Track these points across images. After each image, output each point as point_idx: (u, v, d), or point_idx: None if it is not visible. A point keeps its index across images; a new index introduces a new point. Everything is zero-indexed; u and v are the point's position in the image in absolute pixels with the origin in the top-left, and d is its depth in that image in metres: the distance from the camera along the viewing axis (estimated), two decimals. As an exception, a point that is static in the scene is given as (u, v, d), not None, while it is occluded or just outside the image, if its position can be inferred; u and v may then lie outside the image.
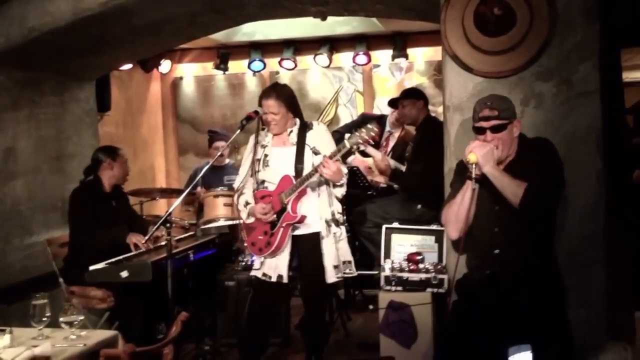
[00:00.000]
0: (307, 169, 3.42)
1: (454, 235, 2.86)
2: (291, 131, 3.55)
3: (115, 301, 3.81)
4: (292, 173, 3.45)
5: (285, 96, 3.54)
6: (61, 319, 2.56)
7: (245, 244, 3.67)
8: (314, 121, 3.64)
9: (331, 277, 3.43)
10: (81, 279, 3.73)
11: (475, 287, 2.78)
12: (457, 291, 2.93)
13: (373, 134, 3.18)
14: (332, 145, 3.46)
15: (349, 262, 3.53)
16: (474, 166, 2.67)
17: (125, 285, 3.69)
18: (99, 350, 2.48)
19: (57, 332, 2.61)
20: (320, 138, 3.52)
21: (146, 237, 3.73)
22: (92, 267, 3.65)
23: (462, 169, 2.82)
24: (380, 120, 5.24)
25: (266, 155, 3.55)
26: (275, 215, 3.44)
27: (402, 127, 5.31)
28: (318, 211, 3.46)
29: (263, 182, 3.54)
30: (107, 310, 3.82)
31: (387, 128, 5.34)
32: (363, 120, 5.19)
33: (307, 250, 3.49)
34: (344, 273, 3.50)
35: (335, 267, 3.44)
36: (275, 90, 3.57)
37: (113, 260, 3.74)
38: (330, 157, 3.26)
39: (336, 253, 3.45)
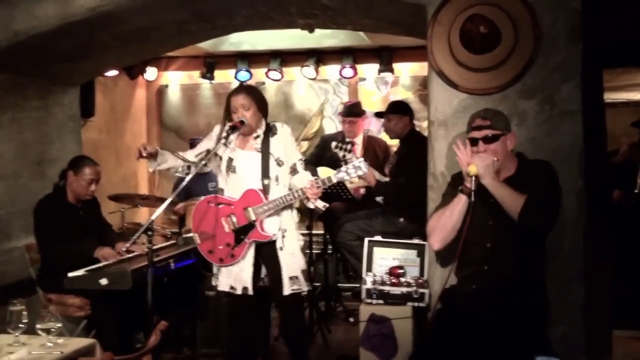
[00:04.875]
0: (273, 183, 3.38)
1: (436, 245, 2.84)
2: (257, 136, 3.45)
3: (92, 309, 3.76)
4: (257, 186, 3.38)
5: (254, 94, 3.47)
6: (38, 326, 2.53)
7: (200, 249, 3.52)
8: (277, 123, 3.53)
9: (287, 289, 3.38)
10: (58, 286, 3.68)
11: (460, 299, 2.78)
12: (441, 301, 2.93)
13: (361, 172, 3.24)
14: (294, 150, 3.49)
15: (297, 277, 3.42)
16: (472, 179, 2.63)
17: (103, 293, 3.64)
18: (76, 359, 2.45)
19: (34, 339, 2.57)
20: (284, 145, 3.45)
21: (127, 245, 3.68)
22: (71, 274, 3.61)
23: (458, 183, 2.79)
24: (339, 137, 5.42)
25: (231, 160, 3.45)
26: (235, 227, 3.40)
27: (361, 133, 5.47)
28: (278, 222, 3.41)
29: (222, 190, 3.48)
30: (85, 318, 3.77)
31: (348, 139, 5.42)
32: (324, 143, 5.33)
33: (268, 260, 3.46)
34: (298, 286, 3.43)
35: (291, 278, 3.39)
36: (244, 87, 3.59)
37: (92, 267, 3.69)
38: (317, 186, 3.25)
39: (296, 264, 3.42)
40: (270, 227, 3.40)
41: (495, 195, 2.63)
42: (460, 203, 2.70)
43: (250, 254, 3.44)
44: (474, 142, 2.74)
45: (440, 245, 2.81)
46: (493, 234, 2.71)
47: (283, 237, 3.41)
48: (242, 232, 3.39)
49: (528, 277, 2.71)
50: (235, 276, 3.46)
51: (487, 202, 2.68)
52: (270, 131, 3.47)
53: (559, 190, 2.76)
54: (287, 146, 3.47)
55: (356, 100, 6.37)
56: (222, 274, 3.50)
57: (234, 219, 3.40)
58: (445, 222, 2.75)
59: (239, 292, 3.44)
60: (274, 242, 3.41)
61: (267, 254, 3.45)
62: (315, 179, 3.29)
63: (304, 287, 3.45)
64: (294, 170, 3.47)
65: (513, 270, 2.69)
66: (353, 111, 5.55)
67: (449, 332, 2.68)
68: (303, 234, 3.68)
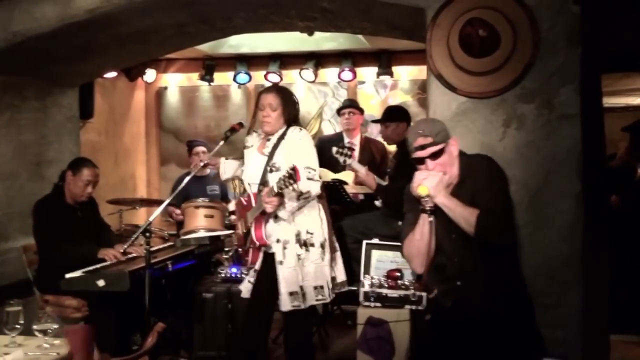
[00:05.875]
0: (265, 189, 3.23)
1: (419, 270, 2.81)
2: (269, 139, 3.35)
3: (90, 310, 3.75)
4: (256, 191, 3.32)
5: (285, 96, 3.35)
6: (35, 327, 2.51)
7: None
8: (291, 127, 3.34)
9: (286, 305, 3.20)
10: (55, 287, 3.67)
11: (443, 312, 2.77)
12: (430, 312, 2.95)
13: (292, 181, 2.90)
14: (302, 155, 3.24)
15: (320, 287, 3.25)
16: (426, 199, 2.60)
17: (101, 294, 3.63)
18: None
19: (31, 340, 2.56)
20: (288, 151, 3.27)
21: (125, 247, 3.68)
22: (68, 275, 3.60)
23: (412, 197, 2.73)
24: (337, 139, 5.38)
25: (243, 164, 3.46)
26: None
27: (359, 134, 5.45)
28: (273, 232, 3.28)
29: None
30: (82, 320, 3.76)
31: (346, 140, 5.39)
32: (321, 145, 5.30)
33: (269, 272, 3.30)
34: (316, 299, 3.25)
35: (291, 294, 3.20)
36: (276, 87, 3.44)
37: (90, 268, 3.69)
38: (268, 195, 3.07)
39: (295, 279, 3.21)
40: (268, 235, 3.29)
41: (449, 214, 2.61)
42: (425, 224, 2.66)
43: (259, 261, 3.38)
44: (420, 161, 2.69)
45: (423, 268, 2.77)
46: (458, 248, 2.68)
47: (284, 248, 3.24)
48: (247, 236, 3.37)
49: (502, 285, 2.67)
50: (248, 278, 3.46)
51: (446, 217, 2.63)
52: (283, 135, 3.33)
53: (507, 186, 2.74)
54: (292, 152, 3.26)
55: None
56: (246, 273, 3.51)
57: (243, 223, 3.40)
58: (419, 246, 2.71)
59: (243, 294, 3.43)
60: (274, 254, 3.28)
61: (270, 265, 3.30)
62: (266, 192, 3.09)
63: (303, 305, 3.23)
64: None
65: (485, 282, 2.65)
66: (353, 104, 5.62)
67: (442, 343, 2.67)
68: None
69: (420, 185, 2.59)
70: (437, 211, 2.62)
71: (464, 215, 2.58)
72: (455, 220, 2.60)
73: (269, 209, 3.13)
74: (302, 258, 3.23)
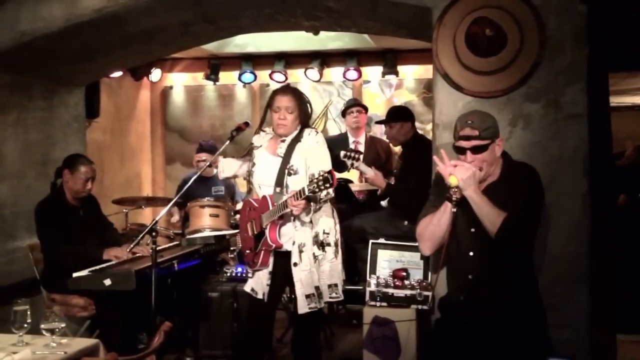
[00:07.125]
0: (283, 191, 3.24)
1: (427, 252, 2.83)
2: (283, 140, 3.34)
3: (96, 309, 3.76)
4: (271, 192, 3.29)
5: (301, 98, 3.34)
6: (42, 326, 2.52)
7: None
8: (307, 129, 3.35)
9: (302, 307, 3.22)
10: (62, 286, 3.68)
11: (454, 309, 2.76)
12: (439, 309, 2.94)
13: (328, 185, 2.88)
14: (319, 159, 3.25)
15: (335, 285, 3.30)
16: (454, 189, 2.58)
17: (107, 293, 3.64)
18: (79, 359, 2.45)
19: (38, 339, 2.57)
20: (305, 154, 3.27)
21: (131, 246, 3.69)
22: (75, 274, 3.61)
23: (441, 181, 2.74)
24: (342, 139, 5.41)
25: (254, 164, 3.42)
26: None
27: (364, 133, 5.44)
28: (290, 234, 3.29)
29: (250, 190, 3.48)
30: (89, 319, 3.78)
31: (351, 139, 5.38)
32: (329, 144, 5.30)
33: (283, 274, 3.33)
34: (330, 297, 3.31)
35: (308, 296, 3.22)
36: (291, 89, 3.41)
37: (96, 267, 3.70)
38: (296, 198, 3.01)
39: (310, 280, 3.23)
40: (284, 237, 3.29)
41: (474, 209, 2.58)
42: (446, 212, 2.65)
43: (271, 263, 3.36)
44: (461, 151, 2.65)
45: (431, 252, 2.81)
46: (475, 242, 2.67)
47: (300, 252, 3.25)
48: (259, 239, 3.34)
49: (515, 285, 2.66)
50: (258, 280, 3.42)
51: (468, 209, 2.62)
52: (298, 137, 3.31)
53: (542, 202, 2.72)
54: (309, 155, 3.25)
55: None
56: (251, 275, 3.49)
57: (254, 224, 3.36)
58: (433, 231, 2.72)
59: (259, 296, 3.39)
60: (289, 257, 3.28)
61: (281, 267, 3.32)
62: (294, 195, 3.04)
63: (319, 305, 3.27)
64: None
65: (498, 279, 2.64)
66: (359, 102, 5.68)
67: (449, 342, 2.67)
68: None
69: (451, 175, 2.58)
70: (462, 203, 2.61)
71: (489, 215, 2.55)
72: (479, 217, 2.58)
73: (295, 212, 3.11)
74: (319, 258, 3.27)
